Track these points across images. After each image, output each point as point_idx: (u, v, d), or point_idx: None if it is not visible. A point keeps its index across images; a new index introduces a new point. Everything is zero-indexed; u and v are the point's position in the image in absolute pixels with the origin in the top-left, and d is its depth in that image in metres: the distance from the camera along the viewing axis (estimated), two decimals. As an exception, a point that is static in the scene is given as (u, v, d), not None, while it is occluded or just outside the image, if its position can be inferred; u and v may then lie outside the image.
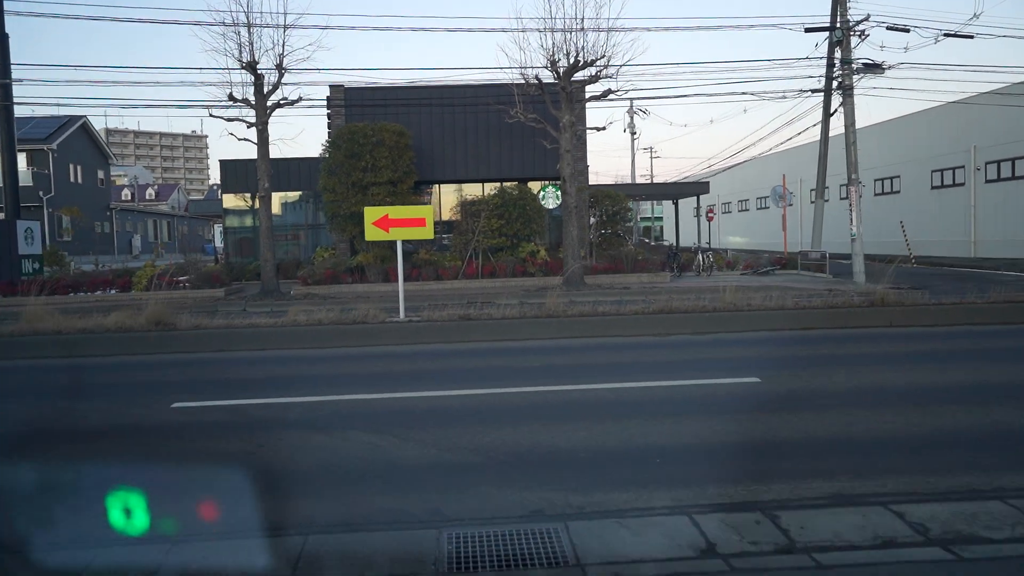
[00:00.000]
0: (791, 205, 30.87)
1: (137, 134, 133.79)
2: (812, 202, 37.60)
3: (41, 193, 36.85)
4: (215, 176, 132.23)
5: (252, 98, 18.40)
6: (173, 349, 9.54)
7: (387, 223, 10.15)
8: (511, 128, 23.25)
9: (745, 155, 42.70)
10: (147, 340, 9.61)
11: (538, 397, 6.52)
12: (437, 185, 25.51)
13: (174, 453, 5.27)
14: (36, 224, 21.90)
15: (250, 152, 17.27)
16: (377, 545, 3.51)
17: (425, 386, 7.10)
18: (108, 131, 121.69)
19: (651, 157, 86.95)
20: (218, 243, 45.89)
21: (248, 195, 27.02)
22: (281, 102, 18.44)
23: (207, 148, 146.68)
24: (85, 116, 42.18)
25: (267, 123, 18.54)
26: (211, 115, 18.21)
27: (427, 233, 10.35)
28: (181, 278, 21.67)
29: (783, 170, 37.14)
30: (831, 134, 25.51)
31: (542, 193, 24.43)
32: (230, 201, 27.66)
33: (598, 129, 20.74)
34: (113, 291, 20.75)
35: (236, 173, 26.34)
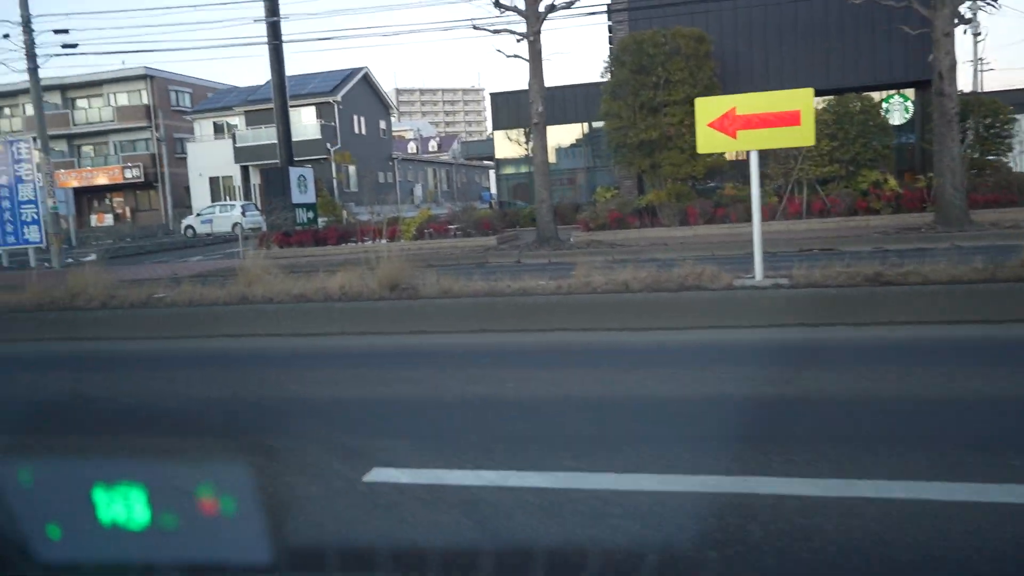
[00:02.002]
0: None
1: (422, 91, 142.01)
2: None
3: (328, 145, 37.55)
4: (492, 126, 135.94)
5: (521, 3, 15.12)
6: (412, 327, 6.41)
7: (733, 122, 6.11)
8: (841, 18, 17.78)
9: None
10: (377, 312, 6.58)
11: None
12: (742, 104, 20.65)
13: None
14: (309, 171, 20.81)
15: (521, 80, 13.87)
16: None
17: (894, 457, 3.07)
18: (397, 91, 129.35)
19: (978, 70, 71.60)
20: (493, 189, 44.75)
21: (521, 132, 24.33)
22: (555, 2, 14.91)
23: (484, 100, 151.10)
24: (366, 68, 42.56)
25: (539, 32, 15.15)
26: (475, 27, 15.22)
27: (804, 136, 6.10)
28: (451, 226, 19.49)
29: None
30: None
31: (885, 105, 18.70)
32: (502, 142, 25.18)
33: (989, 3, 14.61)
34: (383, 240, 19.08)
35: (508, 106, 23.67)
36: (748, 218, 16.64)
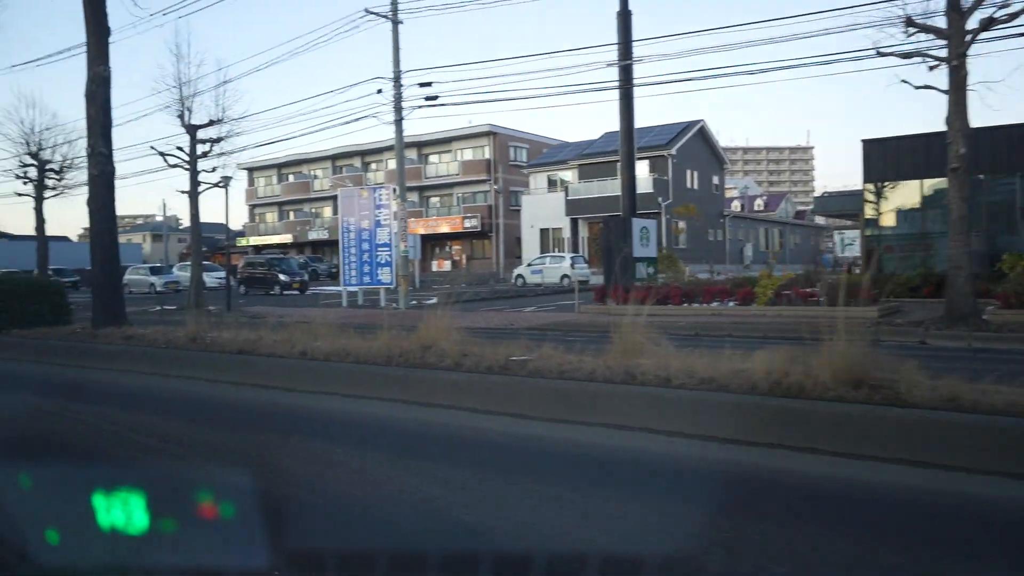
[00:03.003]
0: None
1: (746, 150, 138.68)
2: None
3: (660, 199, 36.22)
4: (820, 186, 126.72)
5: (941, 21, 12.13)
6: (903, 452, 4.08)
7: None
8: None
9: None
10: (841, 423, 4.36)
11: None
12: None
13: None
14: (652, 223, 19.29)
15: (903, 122, 10.84)
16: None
17: None
18: (722, 149, 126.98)
19: None
20: (839, 252, 40.09)
21: (891, 185, 20.61)
22: (995, 16, 11.68)
23: (812, 159, 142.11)
24: (702, 120, 40.86)
25: (964, 56, 12.00)
26: (879, 53, 12.48)
27: None
28: (812, 289, 16.57)
29: None
30: None
31: None
32: (871, 197, 21.55)
33: None
34: (731, 303, 16.77)
35: (883, 154, 20.17)
36: None
